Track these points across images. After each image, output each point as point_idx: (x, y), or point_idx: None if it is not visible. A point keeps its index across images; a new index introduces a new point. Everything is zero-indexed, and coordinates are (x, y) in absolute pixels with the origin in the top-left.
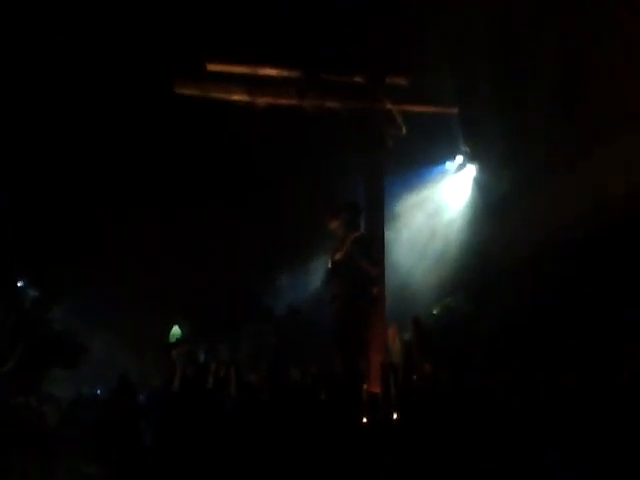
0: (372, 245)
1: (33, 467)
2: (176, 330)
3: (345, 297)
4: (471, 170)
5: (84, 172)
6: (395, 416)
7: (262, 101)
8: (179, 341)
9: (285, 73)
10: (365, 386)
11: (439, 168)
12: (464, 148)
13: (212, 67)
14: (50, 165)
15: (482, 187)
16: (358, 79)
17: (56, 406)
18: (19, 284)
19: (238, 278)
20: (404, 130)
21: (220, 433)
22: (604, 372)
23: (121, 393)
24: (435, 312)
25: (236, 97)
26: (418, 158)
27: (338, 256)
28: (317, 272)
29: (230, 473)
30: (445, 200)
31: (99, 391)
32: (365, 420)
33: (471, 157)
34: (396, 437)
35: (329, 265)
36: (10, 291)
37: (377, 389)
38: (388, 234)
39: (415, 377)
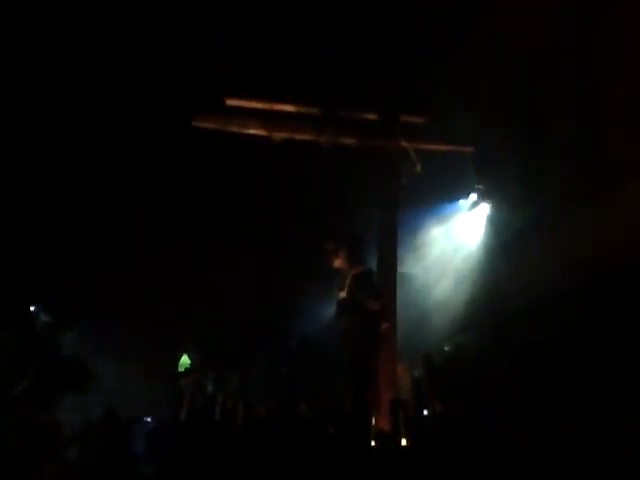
0: (373, 280)
1: None
2: (185, 359)
3: (353, 333)
4: (485, 208)
5: (98, 201)
6: (404, 443)
7: (278, 136)
8: (188, 370)
9: (302, 109)
10: (374, 421)
11: (453, 205)
12: (478, 186)
13: (230, 102)
14: (64, 193)
15: (495, 225)
16: (374, 116)
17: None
18: (32, 308)
19: (250, 309)
20: (419, 168)
21: (226, 465)
22: (612, 415)
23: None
24: (446, 349)
25: (253, 131)
26: (432, 195)
27: (342, 294)
28: (330, 304)
29: None
30: (458, 237)
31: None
32: (373, 453)
33: (485, 195)
34: (405, 473)
35: (336, 302)
36: (23, 316)
37: (386, 425)
38: (401, 270)
39: (425, 414)
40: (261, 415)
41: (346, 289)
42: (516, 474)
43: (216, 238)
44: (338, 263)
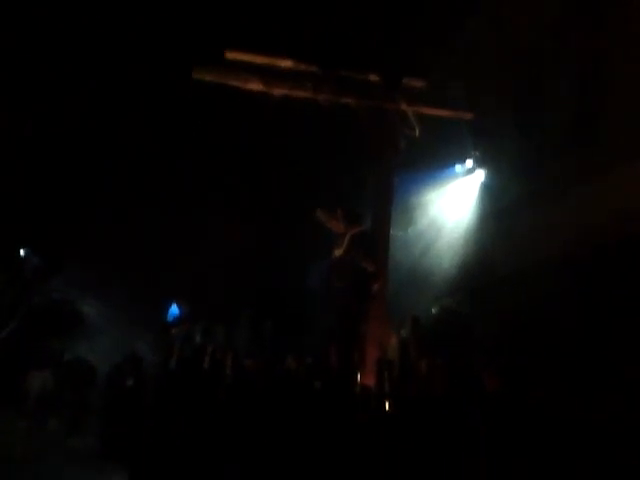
0: (373, 241)
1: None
2: (174, 309)
3: (344, 292)
4: (480, 175)
5: (92, 149)
6: (387, 407)
7: (277, 92)
8: (177, 320)
9: (302, 66)
10: (359, 379)
11: (449, 170)
12: (475, 152)
13: (230, 55)
14: (58, 143)
15: (489, 192)
16: (375, 78)
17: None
18: (22, 252)
19: (237, 264)
20: (417, 131)
21: (214, 413)
22: (599, 380)
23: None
24: (434, 311)
25: (252, 86)
26: (428, 158)
27: (338, 251)
28: (319, 263)
29: (223, 453)
30: (452, 202)
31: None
32: (358, 412)
33: (481, 162)
34: (388, 431)
35: (330, 260)
36: (13, 261)
37: (371, 382)
38: (393, 232)
39: (410, 374)
40: (249, 367)
41: (342, 248)
42: (501, 436)
43: (207, 194)
44: (336, 227)
